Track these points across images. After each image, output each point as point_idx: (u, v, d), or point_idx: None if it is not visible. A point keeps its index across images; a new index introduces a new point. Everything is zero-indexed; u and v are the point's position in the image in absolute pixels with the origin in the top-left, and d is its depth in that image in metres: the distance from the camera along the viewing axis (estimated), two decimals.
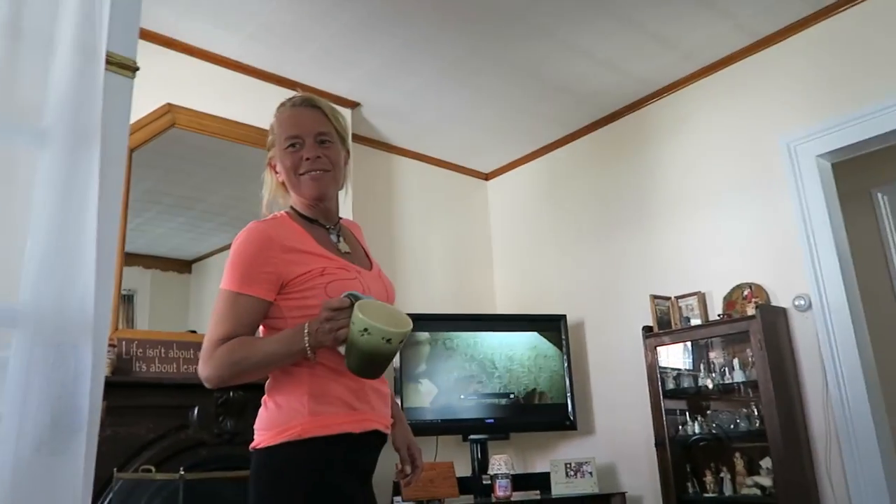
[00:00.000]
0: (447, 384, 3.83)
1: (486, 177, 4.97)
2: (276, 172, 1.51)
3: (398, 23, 3.23)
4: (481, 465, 3.79)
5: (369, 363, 1.24)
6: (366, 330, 1.20)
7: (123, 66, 1.15)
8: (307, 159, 1.45)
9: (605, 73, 3.74)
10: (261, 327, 1.38)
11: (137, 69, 1.18)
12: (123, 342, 2.91)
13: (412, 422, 3.56)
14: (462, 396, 3.83)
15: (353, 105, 3.90)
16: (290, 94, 1.59)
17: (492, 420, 3.83)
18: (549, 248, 4.45)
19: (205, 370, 1.30)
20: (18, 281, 1.01)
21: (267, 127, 3.56)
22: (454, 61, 3.56)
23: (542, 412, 3.91)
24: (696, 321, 3.48)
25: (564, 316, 4.07)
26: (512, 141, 4.50)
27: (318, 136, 1.47)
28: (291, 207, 1.50)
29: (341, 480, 1.29)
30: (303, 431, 1.28)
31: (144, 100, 2.98)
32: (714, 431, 3.32)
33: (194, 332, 3.22)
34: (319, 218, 1.49)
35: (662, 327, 3.56)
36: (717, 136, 3.63)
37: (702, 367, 3.50)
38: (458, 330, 3.92)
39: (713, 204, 3.60)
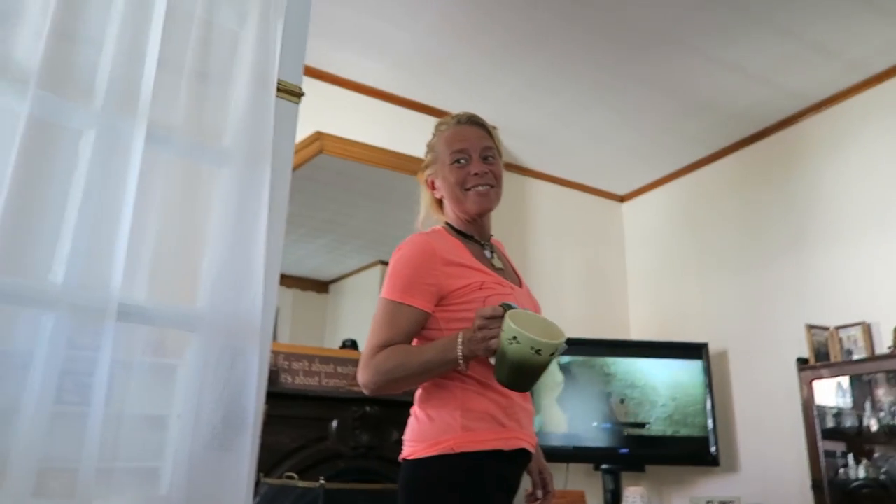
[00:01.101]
0: (580, 410, 3.73)
1: (622, 199, 4.85)
2: (434, 189, 1.55)
3: (538, 45, 3.25)
4: (614, 496, 3.64)
5: (517, 374, 1.21)
6: (514, 338, 1.16)
7: (291, 93, 1.25)
8: (475, 174, 1.47)
9: (755, 88, 3.54)
10: (415, 340, 1.41)
11: (303, 94, 1.27)
12: (272, 354, 3.09)
13: (543, 446, 3.53)
14: (595, 424, 3.72)
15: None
16: (430, 119, 1.63)
17: (626, 450, 3.68)
18: (689, 274, 4.25)
19: (363, 376, 1.34)
20: (197, 287, 1.11)
21: (407, 152, 3.66)
22: (594, 81, 3.53)
23: (681, 445, 3.71)
24: (859, 354, 3.17)
25: (706, 344, 3.85)
26: (650, 161, 4.37)
27: (483, 151, 1.50)
28: (446, 223, 1.53)
29: (491, 496, 1.28)
30: (455, 445, 1.28)
31: (297, 127, 3.19)
32: (881, 478, 2.99)
33: (352, 343, 3.36)
34: (474, 234, 1.51)
35: (820, 360, 3.27)
36: (884, 152, 3.32)
37: (867, 405, 3.17)
38: (592, 355, 3.82)
39: (878, 225, 3.29)
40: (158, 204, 1.05)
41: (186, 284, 1.15)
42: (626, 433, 3.70)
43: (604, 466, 3.70)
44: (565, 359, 3.77)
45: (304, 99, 1.33)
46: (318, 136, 3.41)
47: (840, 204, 3.50)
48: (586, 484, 3.77)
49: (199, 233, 1.10)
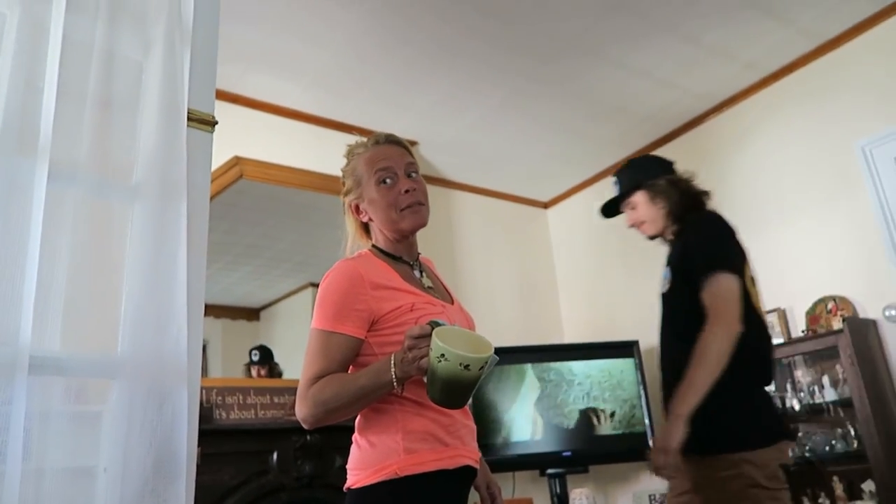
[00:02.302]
0: (520, 417, 3.76)
1: (546, 205, 4.95)
2: (359, 214, 1.53)
3: (453, 58, 3.29)
4: (561, 499, 3.69)
5: (449, 391, 1.19)
6: (443, 356, 1.15)
7: (203, 122, 1.21)
8: (406, 192, 1.46)
9: (662, 91, 3.70)
10: (350, 367, 1.38)
11: (216, 123, 1.23)
12: (204, 390, 2.98)
13: (487, 458, 3.53)
14: (537, 429, 3.76)
15: (411, 144, 3.96)
16: (349, 138, 1.61)
17: (569, 453, 3.74)
18: (617, 273, 4.37)
19: (300, 411, 1.31)
20: (116, 332, 1.06)
21: (328, 172, 3.59)
22: (510, 91, 3.59)
23: (622, 442, 3.79)
24: (777, 339, 3.33)
25: (637, 342, 3.96)
26: (571, 167, 4.48)
27: (407, 168, 1.49)
28: (374, 246, 1.52)
29: None
30: (399, 470, 1.26)
31: (214, 154, 3.10)
32: (807, 455, 3.15)
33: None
34: (403, 255, 1.50)
35: None
36: (787, 146, 3.52)
37: (788, 387, 3.33)
38: (528, 362, 3.87)
39: (787, 216, 3.47)
40: (67, 247, 0.99)
41: (105, 329, 1.09)
42: (568, 436, 3.76)
43: (549, 471, 3.74)
44: (496, 368, 3.80)
45: (220, 124, 1.29)
46: (237, 160, 3.33)
47: (748, 197, 3.68)
48: (534, 490, 3.80)
49: (114, 274, 1.04)
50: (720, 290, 1.82)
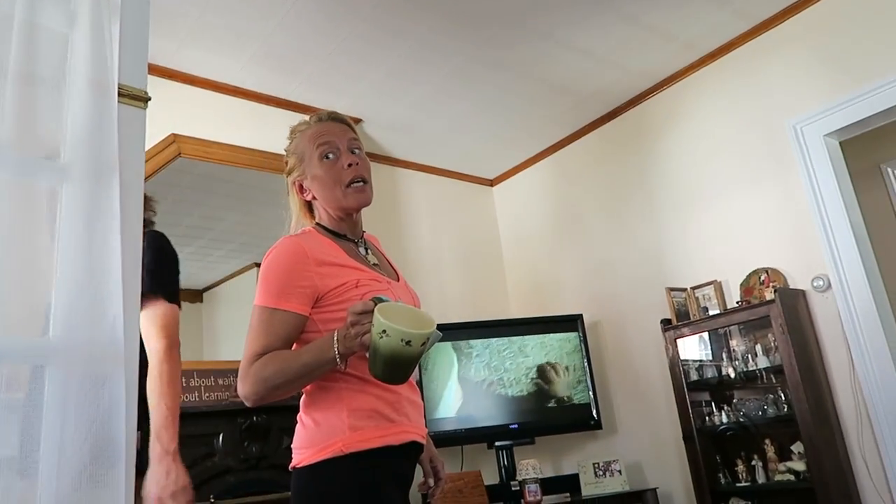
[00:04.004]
0: (468, 393, 3.81)
1: (491, 182, 4.98)
2: (303, 192, 1.52)
3: (395, 37, 3.25)
4: (509, 471, 3.77)
5: (390, 367, 1.19)
6: (384, 332, 1.15)
7: (135, 98, 1.16)
8: (349, 165, 1.45)
9: (604, 70, 3.74)
10: (294, 345, 1.37)
11: (149, 99, 1.19)
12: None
13: (435, 432, 3.58)
14: (484, 404, 3.82)
15: (356, 121, 3.92)
16: (292, 115, 1.60)
17: (515, 425, 3.81)
18: (561, 249, 4.45)
19: (242, 388, 1.30)
20: (48, 316, 1.02)
21: (271, 150, 3.53)
22: (453, 70, 3.58)
23: (566, 414, 3.89)
24: (714, 311, 3.46)
25: (581, 315, 4.05)
26: (516, 145, 4.51)
27: (350, 143, 1.49)
28: (317, 224, 1.50)
29: (386, 493, 1.28)
30: (344, 447, 1.27)
31: (149, 132, 3.00)
32: (742, 420, 3.30)
33: None
34: (347, 232, 1.49)
35: (681, 319, 3.54)
36: (723, 124, 3.63)
37: (724, 356, 3.48)
38: (475, 338, 3.91)
39: (723, 191, 3.59)
40: None
41: (35, 315, 1.05)
42: (514, 409, 3.83)
43: (497, 444, 3.81)
44: (447, 343, 3.83)
45: (155, 101, 1.25)
46: (175, 138, 3.23)
47: (686, 173, 3.78)
48: (482, 463, 3.87)
49: (43, 258, 1.00)
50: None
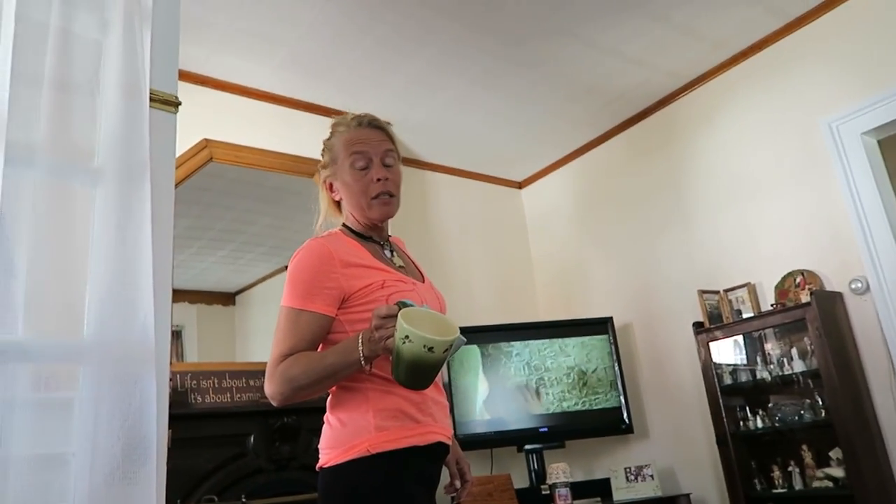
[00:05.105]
0: (498, 396, 3.80)
1: (520, 185, 4.96)
2: (333, 192, 1.53)
3: (423, 40, 3.26)
4: (538, 475, 3.74)
5: (413, 373, 1.19)
6: (407, 337, 1.15)
7: (166, 102, 1.19)
8: (378, 180, 1.46)
9: (633, 71, 3.71)
10: (321, 346, 1.38)
11: (179, 104, 1.21)
12: (177, 375, 2.96)
13: (465, 435, 3.57)
14: (514, 407, 3.80)
15: None
16: (321, 119, 1.61)
17: (545, 429, 3.79)
18: (590, 252, 4.41)
19: (269, 388, 1.31)
20: (82, 317, 1.04)
21: (300, 153, 3.55)
22: (481, 72, 3.58)
23: (597, 417, 3.85)
24: (748, 314, 3.39)
25: (611, 318, 4.01)
26: (544, 147, 4.48)
27: (384, 155, 1.49)
28: (344, 225, 1.51)
29: (412, 494, 1.28)
30: (371, 447, 1.27)
31: (182, 137, 3.05)
32: (777, 425, 3.22)
33: None
34: (373, 235, 1.50)
35: (713, 322, 3.48)
36: (755, 123, 3.56)
37: (758, 359, 3.40)
38: (504, 340, 3.89)
39: (756, 192, 3.52)
40: (27, 232, 0.97)
41: (70, 315, 1.07)
42: (544, 412, 3.80)
43: (527, 447, 3.79)
44: (480, 346, 3.82)
45: (187, 107, 1.27)
46: (206, 143, 3.29)
47: (717, 174, 3.72)
48: (512, 466, 3.85)
49: (77, 259, 1.02)
50: None
